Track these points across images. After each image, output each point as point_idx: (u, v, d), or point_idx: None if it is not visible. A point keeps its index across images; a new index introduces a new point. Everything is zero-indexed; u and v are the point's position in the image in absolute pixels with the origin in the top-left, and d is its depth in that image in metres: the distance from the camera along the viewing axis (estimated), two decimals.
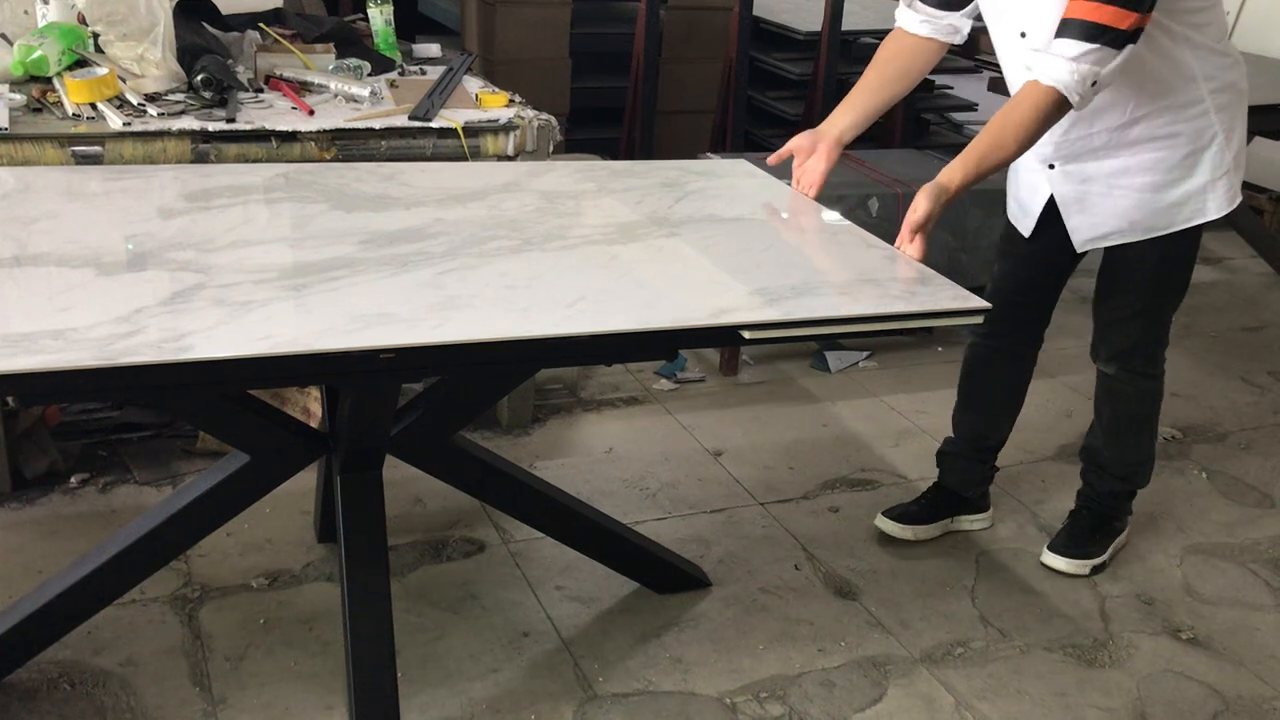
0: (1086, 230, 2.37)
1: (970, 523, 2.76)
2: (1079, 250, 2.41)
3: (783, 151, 2.37)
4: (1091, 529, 2.65)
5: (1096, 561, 2.61)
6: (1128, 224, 2.32)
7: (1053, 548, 2.63)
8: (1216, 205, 2.30)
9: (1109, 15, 1.97)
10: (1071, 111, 2.06)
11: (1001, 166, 2.08)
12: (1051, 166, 2.35)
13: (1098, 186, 2.32)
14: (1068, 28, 2.01)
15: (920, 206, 1.99)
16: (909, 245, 2.01)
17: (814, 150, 2.31)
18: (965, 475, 2.72)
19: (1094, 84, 2.02)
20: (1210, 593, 2.60)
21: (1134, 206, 2.30)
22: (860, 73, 4.10)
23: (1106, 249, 2.40)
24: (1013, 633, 2.41)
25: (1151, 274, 2.36)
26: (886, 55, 2.38)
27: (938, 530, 2.71)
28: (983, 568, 2.63)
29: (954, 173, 2.04)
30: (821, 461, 3.02)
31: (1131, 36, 2.01)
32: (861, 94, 2.35)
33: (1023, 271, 2.49)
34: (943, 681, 2.26)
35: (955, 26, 2.34)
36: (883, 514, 2.71)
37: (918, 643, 2.36)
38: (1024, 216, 2.46)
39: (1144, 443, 2.60)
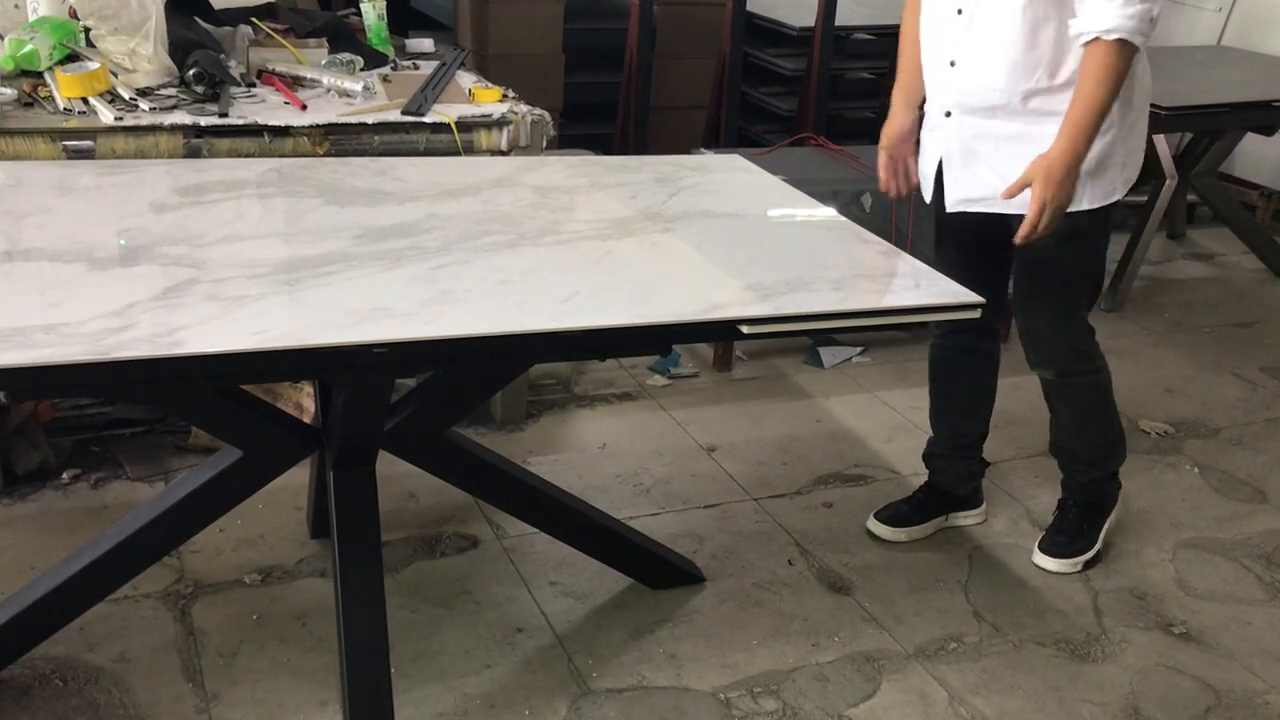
0: (961, 189, 2.34)
1: (964, 519, 2.76)
2: (950, 209, 2.38)
3: (884, 165, 2.47)
4: (1080, 521, 2.65)
5: (1088, 557, 2.62)
6: (1000, 191, 2.26)
7: (1043, 548, 2.63)
8: (1090, 197, 2.27)
9: None
10: (986, 55, 2.18)
11: (1103, 121, 2.14)
12: (949, 115, 2.32)
13: (986, 145, 2.29)
14: None
15: (1048, 192, 2.11)
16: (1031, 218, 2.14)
17: (902, 151, 2.44)
18: (953, 474, 2.73)
19: (1152, 19, 2.05)
20: (1202, 587, 2.61)
21: (1014, 174, 2.23)
22: (852, 68, 4.08)
23: (1019, 253, 2.37)
24: (1006, 628, 2.42)
25: (1068, 257, 2.34)
26: (911, 31, 2.41)
27: (930, 530, 2.71)
28: (976, 563, 2.63)
29: (1079, 143, 2.12)
30: (815, 457, 3.02)
31: None
32: (906, 74, 2.43)
33: (961, 271, 2.46)
34: (936, 676, 2.26)
35: None
36: (874, 516, 2.71)
37: (911, 638, 2.36)
38: (924, 181, 2.46)
39: (1108, 427, 2.59)
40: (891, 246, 2.06)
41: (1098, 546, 2.64)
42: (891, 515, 2.70)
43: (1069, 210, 2.23)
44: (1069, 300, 2.41)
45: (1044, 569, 2.62)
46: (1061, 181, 2.14)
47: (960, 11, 2.23)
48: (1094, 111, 2.10)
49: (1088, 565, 2.61)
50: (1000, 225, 2.34)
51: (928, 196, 2.47)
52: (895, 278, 1.92)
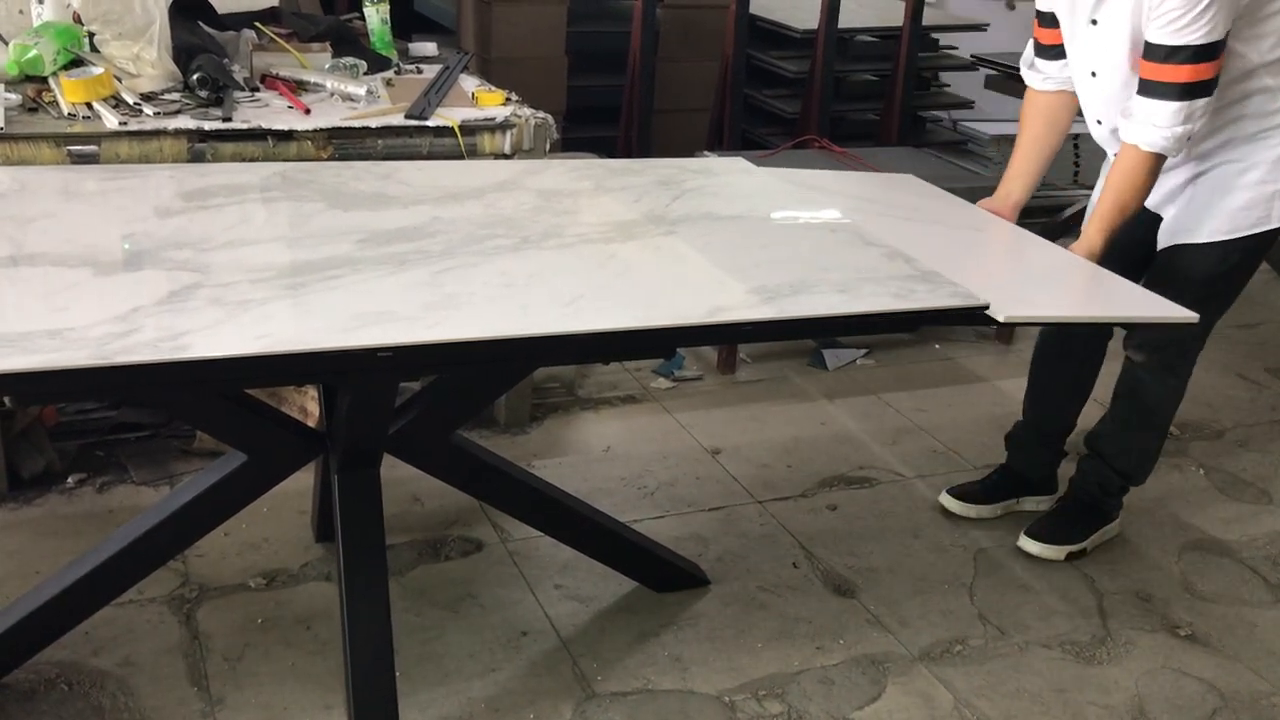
0: (1166, 237, 2.41)
1: (1036, 504, 2.79)
2: (1160, 247, 2.43)
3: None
4: (1075, 517, 2.67)
5: (1073, 548, 2.63)
6: (1195, 223, 2.36)
7: (1029, 532, 2.66)
8: (1255, 221, 2.33)
9: (1188, 74, 2.09)
10: None
11: (1131, 217, 2.28)
12: None
13: (1173, 195, 2.39)
14: (1151, 90, 2.14)
15: None
16: None
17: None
18: (1030, 458, 2.78)
19: (1189, 138, 2.17)
20: (1208, 589, 2.60)
21: (1202, 208, 2.34)
22: (855, 70, 4.10)
23: (1169, 246, 2.42)
24: (1011, 630, 2.42)
25: (1208, 275, 2.38)
26: (1030, 115, 2.52)
27: (999, 510, 2.77)
28: (981, 565, 2.63)
29: (1095, 238, 2.26)
30: (819, 459, 3.02)
31: (1213, 84, 2.12)
32: (1021, 157, 2.51)
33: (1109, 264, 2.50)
34: (941, 679, 2.26)
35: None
36: (946, 491, 2.79)
37: (916, 640, 2.36)
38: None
39: (1150, 441, 2.61)
40: (895, 248, 2.06)
41: (1085, 545, 2.64)
42: (963, 492, 2.78)
43: (1225, 239, 2.34)
44: (1200, 301, 2.41)
45: (1026, 552, 2.64)
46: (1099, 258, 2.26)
47: (1094, 74, 2.31)
48: (1119, 206, 2.24)
49: (1070, 557, 2.62)
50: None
51: None
52: (901, 280, 1.91)
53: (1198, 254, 2.36)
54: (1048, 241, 2.34)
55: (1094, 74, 2.30)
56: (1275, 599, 2.59)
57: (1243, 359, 3.81)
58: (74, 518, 2.52)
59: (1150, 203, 2.42)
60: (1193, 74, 2.10)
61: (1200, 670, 2.34)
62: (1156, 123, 2.15)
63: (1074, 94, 2.45)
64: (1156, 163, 2.21)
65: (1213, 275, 2.37)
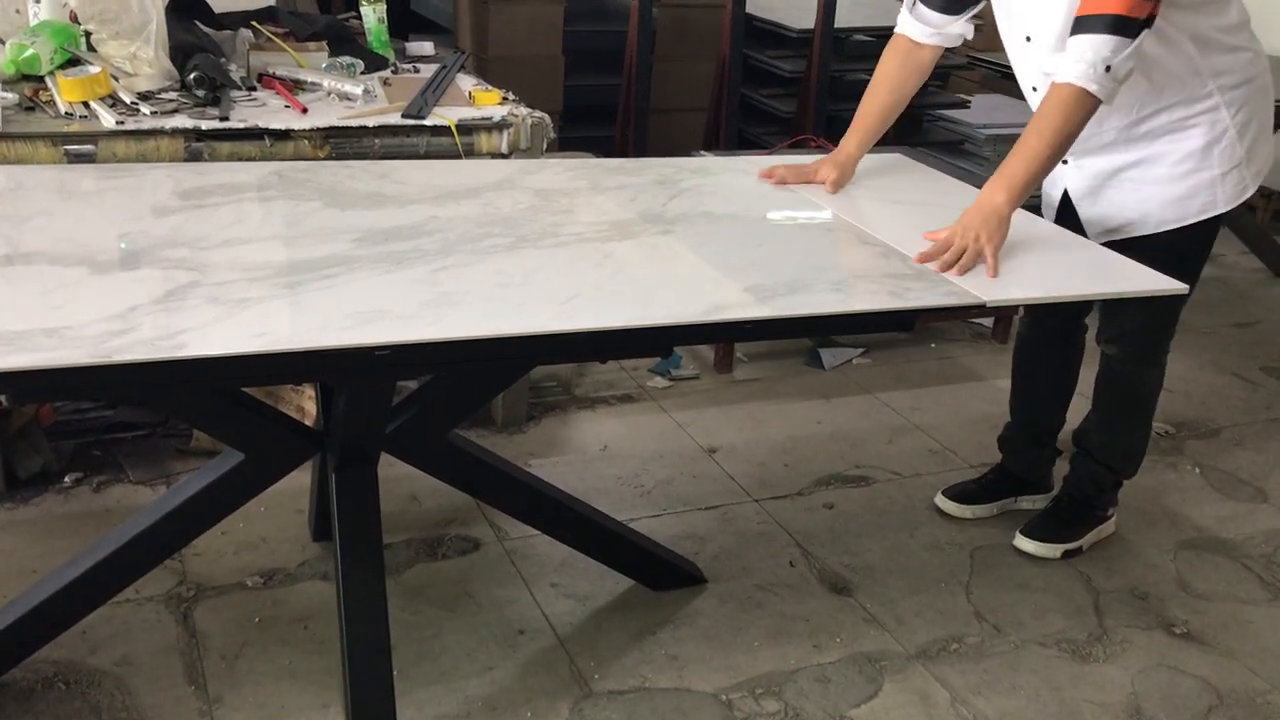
0: (1099, 223, 2.40)
1: (1032, 503, 2.80)
2: (1096, 243, 2.42)
3: (805, 171, 2.40)
4: (1070, 516, 2.68)
5: (1069, 546, 2.64)
6: (1139, 216, 2.34)
7: (1025, 531, 2.67)
8: (1226, 198, 2.32)
9: (1122, 5, 1.98)
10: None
11: (1043, 174, 2.09)
12: (1065, 162, 2.39)
13: (1111, 180, 2.36)
14: (1082, 25, 2.02)
15: (990, 236, 1.98)
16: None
17: (831, 168, 2.39)
18: (1024, 459, 2.79)
19: (1108, 69, 2.00)
20: (1204, 587, 2.61)
21: (1144, 199, 2.32)
22: (852, 70, 4.11)
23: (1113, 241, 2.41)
24: (1007, 628, 2.42)
25: (1161, 265, 2.36)
26: (891, 68, 2.44)
27: (995, 510, 2.78)
28: (977, 564, 2.63)
29: (998, 192, 2.04)
30: (816, 458, 3.02)
31: (1147, 23, 2.02)
32: (874, 113, 2.43)
33: None
34: (938, 677, 2.26)
35: (959, 34, 2.39)
36: (942, 493, 2.80)
37: (913, 639, 2.36)
38: (1046, 207, 2.51)
39: (1136, 433, 2.62)
40: (891, 246, 2.06)
41: (1081, 543, 2.65)
42: (959, 493, 2.78)
43: (1199, 219, 2.30)
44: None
45: (1022, 550, 2.65)
46: (1006, 220, 2.04)
47: (1029, 39, 2.24)
48: (1035, 161, 2.05)
49: (1066, 555, 2.63)
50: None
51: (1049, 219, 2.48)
52: (896, 279, 1.92)
53: (1147, 245, 2.32)
54: (1035, 216, 2.32)
55: (1029, 39, 2.24)
56: (1271, 597, 2.59)
57: (1238, 358, 3.82)
58: (70, 517, 2.51)
59: (1073, 190, 2.40)
60: (1131, 6, 1.97)
61: (1196, 668, 2.34)
62: (1085, 57, 2.00)
63: (940, 51, 2.40)
64: (1074, 101, 2.02)
65: (1167, 264, 2.35)
